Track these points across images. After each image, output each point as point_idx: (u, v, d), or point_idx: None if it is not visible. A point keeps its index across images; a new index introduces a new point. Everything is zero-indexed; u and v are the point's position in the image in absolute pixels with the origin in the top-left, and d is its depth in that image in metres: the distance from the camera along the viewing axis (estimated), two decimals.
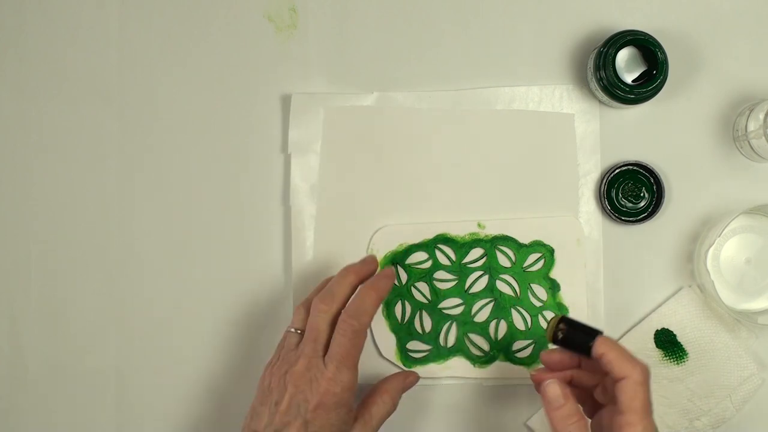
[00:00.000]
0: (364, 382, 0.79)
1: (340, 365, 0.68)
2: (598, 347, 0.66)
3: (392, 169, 0.80)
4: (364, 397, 0.74)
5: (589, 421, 0.68)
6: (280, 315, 0.81)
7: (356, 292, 0.71)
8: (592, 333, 0.67)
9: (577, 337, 0.67)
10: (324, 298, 0.70)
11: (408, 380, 0.76)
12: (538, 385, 0.69)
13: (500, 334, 0.79)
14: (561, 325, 0.68)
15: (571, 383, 0.69)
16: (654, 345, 0.78)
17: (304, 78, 0.82)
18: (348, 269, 0.73)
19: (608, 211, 0.79)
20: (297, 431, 0.67)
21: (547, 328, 0.69)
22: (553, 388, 0.67)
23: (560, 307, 0.79)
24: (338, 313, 0.70)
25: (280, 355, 0.72)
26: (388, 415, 0.73)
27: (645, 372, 0.65)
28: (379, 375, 0.79)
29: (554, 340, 0.68)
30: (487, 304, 0.79)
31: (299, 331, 0.72)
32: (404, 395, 0.79)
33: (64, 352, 0.81)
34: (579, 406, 0.67)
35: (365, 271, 0.73)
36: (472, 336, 0.79)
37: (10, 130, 0.83)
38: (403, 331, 0.80)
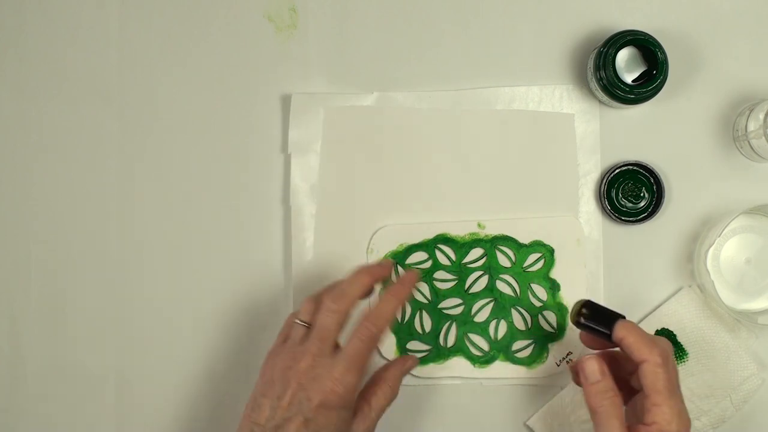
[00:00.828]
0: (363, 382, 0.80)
1: (350, 367, 0.68)
2: (618, 331, 0.67)
3: (392, 169, 0.80)
4: (362, 389, 0.72)
5: (624, 408, 0.68)
6: (280, 315, 0.81)
7: (380, 298, 0.72)
8: (613, 317, 0.68)
9: (598, 321, 0.68)
10: (335, 298, 0.70)
11: (407, 365, 0.75)
12: (575, 371, 0.69)
13: (500, 334, 0.79)
14: (583, 310, 0.68)
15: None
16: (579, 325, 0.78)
17: (304, 78, 0.82)
18: (362, 270, 0.73)
19: (608, 211, 0.79)
20: (297, 428, 0.67)
21: (571, 311, 0.70)
22: (591, 363, 0.67)
23: (560, 307, 0.79)
24: (347, 313, 0.70)
25: (284, 346, 0.71)
26: (389, 404, 0.72)
27: (664, 353, 0.66)
28: None
29: (577, 324, 0.69)
30: (487, 304, 0.79)
31: (306, 325, 0.71)
32: (404, 395, 0.79)
33: (63, 353, 0.81)
34: (614, 384, 0.67)
35: (380, 273, 0.73)
36: (472, 336, 0.79)
37: (10, 130, 0.83)
38: (403, 331, 0.80)
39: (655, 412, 0.65)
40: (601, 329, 0.68)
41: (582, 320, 0.68)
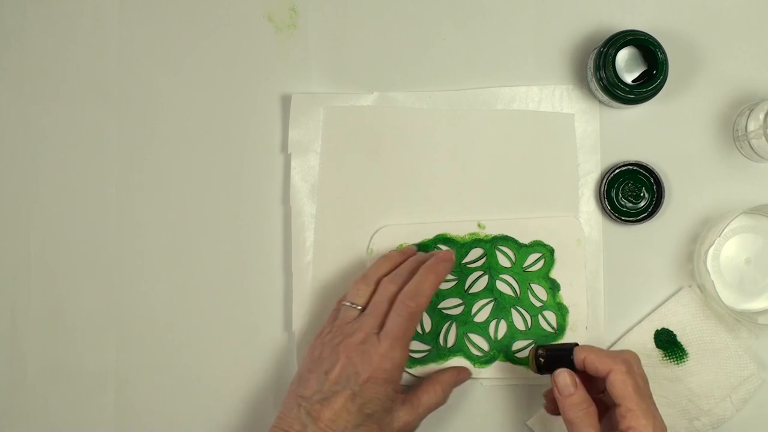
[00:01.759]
0: None
1: (395, 343, 0.70)
2: (578, 354, 0.70)
3: (392, 169, 0.80)
4: (416, 385, 0.75)
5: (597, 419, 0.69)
6: (280, 315, 0.81)
7: (418, 274, 0.73)
8: (569, 348, 0.71)
9: (557, 357, 0.71)
10: (394, 280, 0.72)
11: (461, 376, 0.77)
12: (548, 398, 0.72)
13: (500, 334, 0.79)
14: (540, 351, 0.72)
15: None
16: (654, 345, 0.78)
17: (304, 78, 0.82)
18: (420, 259, 0.75)
19: (608, 211, 0.79)
20: (345, 401, 0.68)
21: (529, 362, 0.73)
22: (563, 376, 0.69)
23: (560, 307, 0.79)
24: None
25: (333, 326, 0.73)
26: (437, 407, 0.74)
27: (627, 362, 0.68)
28: None
29: (539, 369, 0.72)
30: (487, 304, 0.79)
31: (358, 307, 0.73)
32: None
33: (63, 353, 0.81)
34: (588, 395, 0.69)
35: (445, 265, 0.75)
36: (472, 336, 0.79)
37: (10, 130, 0.83)
38: None
39: (629, 417, 0.66)
40: (563, 360, 0.71)
41: (542, 362, 0.72)
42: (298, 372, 0.72)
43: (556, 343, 0.77)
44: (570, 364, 0.70)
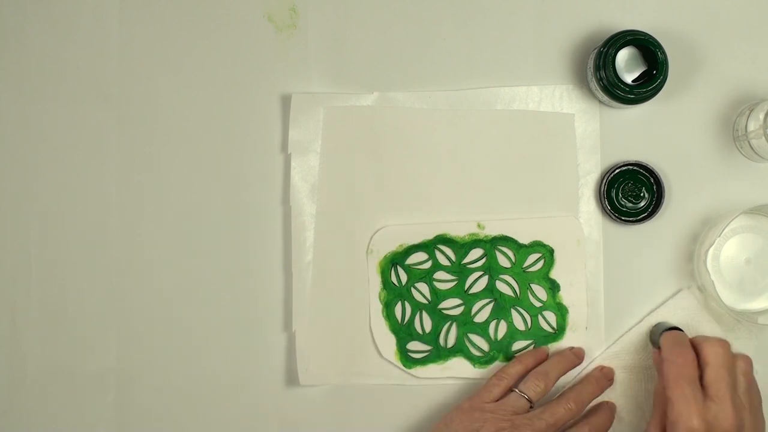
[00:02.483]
0: (363, 382, 0.80)
1: None
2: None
3: (392, 169, 0.80)
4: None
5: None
6: (280, 315, 0.81)
7: (600, 411, 0.76)
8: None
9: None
10: (577, 400, 0.75)
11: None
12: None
13: (500, 335, 0.79)
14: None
15: None
16: (654, 345, 0.78)
17: (304, 78, 0.81)
18: (602, 378, 0.78)
19: (608, 211, 0.79)
20: None
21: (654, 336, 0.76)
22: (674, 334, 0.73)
23: (560, 307, 0.79)
24: (578, 414, 0.75)
25: (497, 404, 0.74)
26: None
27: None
28: (379, 375, 0.79)
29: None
30: (487, 304, 0.79)
31: (529, 400, 0.74)
32: (404, 395, 0.79)
33: (64, 353, 0.81)
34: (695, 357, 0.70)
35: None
36: (472, 336, 0.79)
37: (10, 130, 0.82)
38: (403, 332, 0.80)
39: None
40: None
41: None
42: (444, 424, 0.74)
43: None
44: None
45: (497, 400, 0.75)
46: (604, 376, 0.77)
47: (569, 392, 0.75)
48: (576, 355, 0.78)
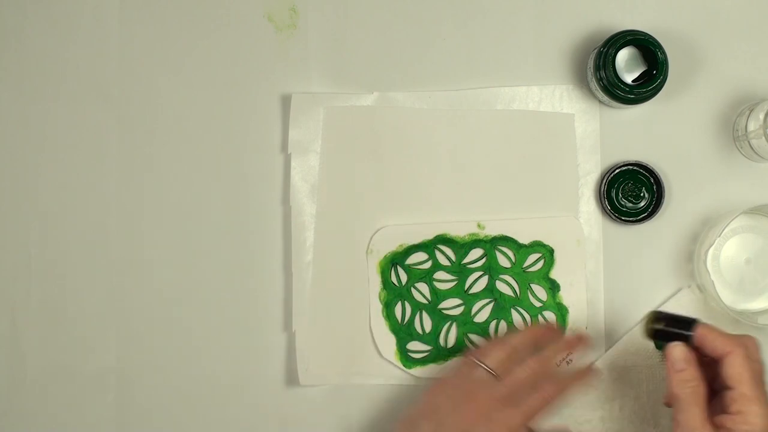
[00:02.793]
0: (363, 382, 0.80)
1: (525, 421, 0.69)
2: (699, 331, 0.67)
3: (392, 169, 0.80)
4: None
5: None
6: (280, 315, 0.81)
7: (572, 374, 0.75)
8: (689, 321, 0.68)
9: (675, 330, 0.69)
10: (540, 359, 0.72)
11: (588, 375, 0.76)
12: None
13: (500, 335, 0.79)
14: (660, 317, 0.70)
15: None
16: (654, 345, 0.78)
17: (304, 78, 0.81)
18: (568, 341, 0.77)
19: (608, 211, 0.79)
20: None
21: (643, 328, 0.70)
22: (679, 350, 0.68)
23: (560, 307, 0.79)
24: (542, 376, 0.72)
25: (461, 379, 0.72)
26: None
27: (746, 346, 0.66)
28: (379, 375, 0.79)
29: (654, 336, 0.70)
30: (487, 304, 0.79)
31: (488, 369, 0.72)
32: (404, 395, 0.79)
33: (64, 353, 0.81)
34: (700, 374, 0.67)
35: (580, 346, 0.77)
36: (472, 336, 0.79)
37: (10, 130, 0.82)
38: (403, 332, 0.80)
39: (741, 401, 0.64)
40: (680, 335, 0.68)
41: (657, 330, 0.69)
42: (410, 415, 0.72)
43: (676, 313, 0.71)
44: (685, 339, 0.68)
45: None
46: (577, 338, 0.76)
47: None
48: (550, 328, 0.77)
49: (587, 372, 0.76)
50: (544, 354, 0.74)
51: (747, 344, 0.67)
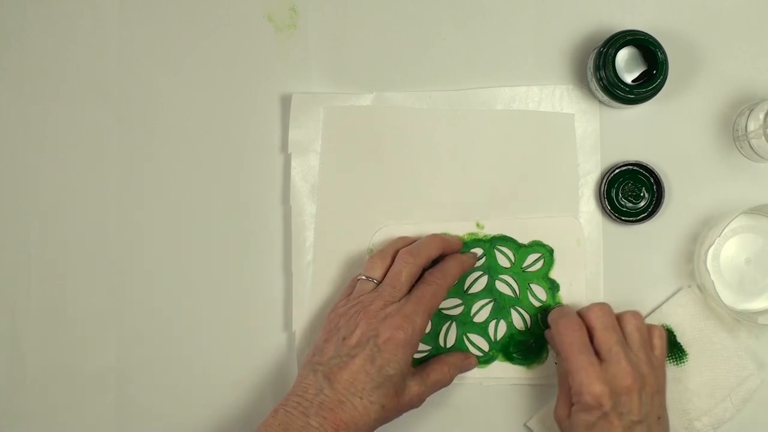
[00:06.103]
0: None
1: (418, 308, 0.71)
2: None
3: (392, 169, 0.80)
4: (424, 363, 0.75)
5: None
6: (280, 315, 0.81)
7: (447, 258, 0.76)
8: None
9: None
10: (412, 252, 0.74)
11: (467, 361, 0.78)
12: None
13: (499, 335, 0.79)
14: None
15: None
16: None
17: (304, 78, 0.82)
18: (437, 235, 0.77)
19: (608, 211, 0.79)
20: (363, 362, 0.69)
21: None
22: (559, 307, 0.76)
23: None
24: (420, 267, 0.74)
25: (349, 298, 0.73)
26: (442, 386, 0.75)
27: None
28: None
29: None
30: (486, 304, 0.79)
31: (375, 280, 0.74)
32: None
33: (64, 353, 0.82)
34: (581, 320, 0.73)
35: (451, 245, 0.77)
36: (472, 336, 0.79)
37: (10, 130, 0.83)
38: None
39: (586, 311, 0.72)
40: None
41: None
42: (314, 345, 0.73)
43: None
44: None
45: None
46: (469, 255, 0.78)
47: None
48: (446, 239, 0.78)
49: (473, 257, 0.78)
50: (417, 245, 0.75)
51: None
